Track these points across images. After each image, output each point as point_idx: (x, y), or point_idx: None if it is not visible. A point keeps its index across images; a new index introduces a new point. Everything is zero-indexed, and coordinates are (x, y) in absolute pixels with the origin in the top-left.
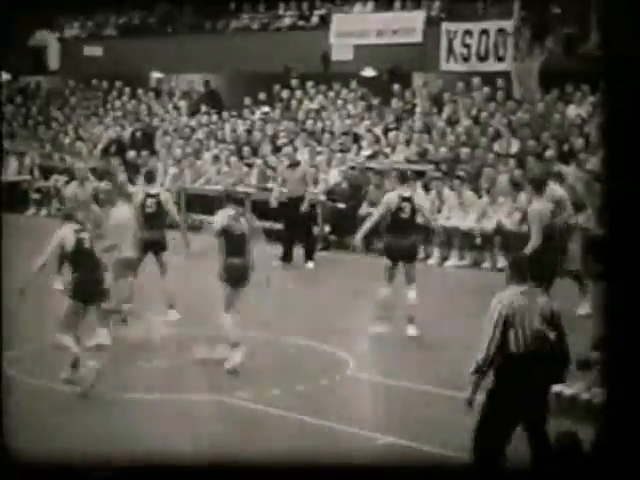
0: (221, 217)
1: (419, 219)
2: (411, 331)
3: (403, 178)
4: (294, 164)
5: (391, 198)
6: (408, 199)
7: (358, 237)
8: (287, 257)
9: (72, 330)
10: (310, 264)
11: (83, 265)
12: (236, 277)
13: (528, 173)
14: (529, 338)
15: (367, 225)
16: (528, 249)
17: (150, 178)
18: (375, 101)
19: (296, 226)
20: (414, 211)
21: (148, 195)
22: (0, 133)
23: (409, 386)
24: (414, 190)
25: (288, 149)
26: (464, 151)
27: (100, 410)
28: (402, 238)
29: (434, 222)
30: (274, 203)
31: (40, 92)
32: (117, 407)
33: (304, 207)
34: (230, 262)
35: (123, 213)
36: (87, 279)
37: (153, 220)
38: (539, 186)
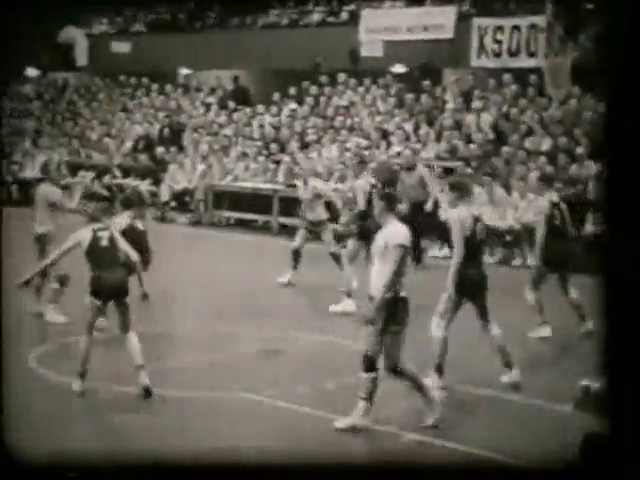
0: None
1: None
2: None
3: None
4: (410, 167)
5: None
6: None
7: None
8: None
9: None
10: None
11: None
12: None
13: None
14: None
15: (539, 242)
16: (453, 262)
17: None
18: (405, 97)
19: (420, 229)
20: (564, 220)
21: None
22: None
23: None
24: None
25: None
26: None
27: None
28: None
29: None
30: (404, 210)
31: (68, 88)
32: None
33: (428, 206)
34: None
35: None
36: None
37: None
38: (460, 190)
